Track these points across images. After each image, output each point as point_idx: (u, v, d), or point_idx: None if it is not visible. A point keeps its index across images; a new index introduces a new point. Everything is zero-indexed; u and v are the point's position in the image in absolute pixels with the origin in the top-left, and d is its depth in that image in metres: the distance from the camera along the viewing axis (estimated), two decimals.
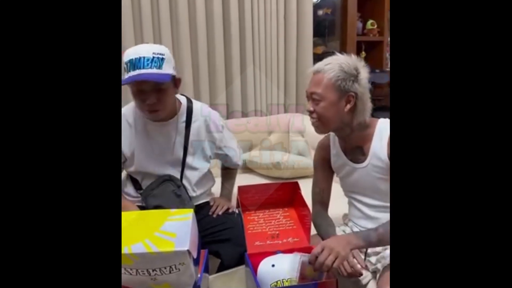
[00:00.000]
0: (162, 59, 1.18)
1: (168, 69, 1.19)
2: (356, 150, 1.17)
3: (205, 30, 2.21)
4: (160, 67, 1.17)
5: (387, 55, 3.03)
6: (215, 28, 2.22)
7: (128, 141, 1.32)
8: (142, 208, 1.38)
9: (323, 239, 1.14)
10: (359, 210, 1.21)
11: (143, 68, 1.15)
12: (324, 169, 1.29)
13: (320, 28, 2.99)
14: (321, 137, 2.12)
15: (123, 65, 1.18)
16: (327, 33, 3.08)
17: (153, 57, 1.16)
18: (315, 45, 2.69)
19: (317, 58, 2.88)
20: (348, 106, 1.09)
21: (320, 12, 3.01)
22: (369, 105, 1.12)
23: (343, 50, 2.90)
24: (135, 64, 1.15)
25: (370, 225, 1.18)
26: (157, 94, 1.19)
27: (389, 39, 3.03)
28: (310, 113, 1.11)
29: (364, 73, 1.10)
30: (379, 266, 1.08)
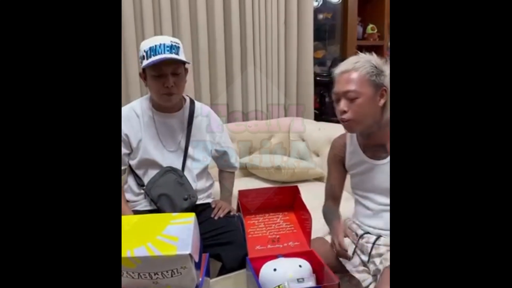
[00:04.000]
0: (178, 47, 1.33)
1: (182, 56, 1.34)
2: (378, 148, 1.17)
3: (205, 31, 2.22)
4: (177, 53, 1.31)
5: (387, 59, 3.03)
6: (216, 31, 2.22)
7: (135, 131, 1.40)
8: (137, 212, 1.42)
9: (331, 231, 1.25)
10: (368, 208, 1.21)
11: (164, 53, 1.28)
12: (337, 166, 1.31)
13: (320, 32, 3.00)
14: (320, 141, 2.14)
15: (141, 54, 1.32)
16: (327, 37, 3.09)
17: (172, 44, 1.30)
18: (315, 49, 2.69)
19: (318, 62, 2.89)
20: (382, 101, 1.10)
21: (321, 16, 3.02)
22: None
23: (343, 54, 2.91)
24: (156, 50, 1.28)
25: (376, 223, 1.19)
26: (174, 78, 1.31)
27: (389, 43, 3.03)
28: (343, 113, 1.10)
29: (387, 69, 1.12)
30: (380, 267, 1.08)
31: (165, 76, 1.30)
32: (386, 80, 1.10)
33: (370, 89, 1.08)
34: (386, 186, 1.16)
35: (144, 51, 1.30)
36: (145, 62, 1.29)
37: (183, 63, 1.35)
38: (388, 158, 1.15)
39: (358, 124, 1.11)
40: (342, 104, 1.10)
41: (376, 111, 1.11)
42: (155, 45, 1.28)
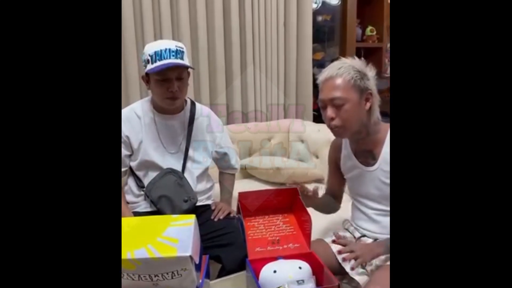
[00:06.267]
0: (183, 51, 1.33)
1: (187, 61, 1.35)
2: (367, 154, 1.18)
3: (205, 32, 2.22)
4: (182, 58, 1.32)
5: (386, 61, 3.05)
6: (216, 31, 2.23)
7: (136, 132, 1.41)
8: (137, 214, 1.43)
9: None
10: (363, 213, 1.22)
11: (170, 58, 1.28)
12: (334, 167, 1.33)
13: (319, 34, 3.01)
14: (319, 142, 2.14)
15: (145, 57, 1.32)
16: (326, 39, 3.09)
17: (177, 49, 1.31)
18: (314, 51, 2.70)
19: (317, 64, 2.89)
20: (368, 105, 1.11)
21: (320, 18, 3.03)
22: (378, 103, 1.14)
23: (342, 56, 2.91)
24: (161, 54, 1.28)
25: (372, 228, 1.19)
26: (178, 83, 1.32)
27: (388, 45, 3.04)
28: (331, 120, 1.10)
29: (371, 71, 1.13)
30: (373, 267, 1.09)
31: (169, 80, 1.31)
32: (371, 84, 1.11)
33: (355, 94, 1.08)
34: (375, 193, 1.17)
35: (149, 55, 1.30)
36: (150, 67, 1.29)
37: (187, 68, 1.35)
38: (376, 166, 1.16)
39: (347, 130, 1.11)
40: (329, 111, 1.09)
41: (363, 116, 1.11)
42: (160, 50, 1.28)
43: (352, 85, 1.08)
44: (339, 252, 1.12)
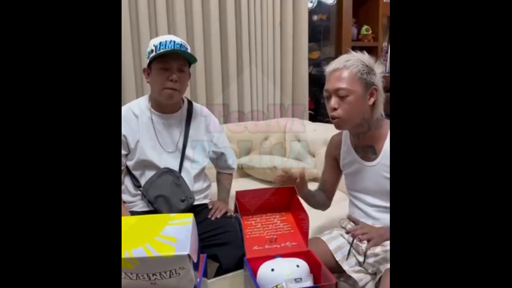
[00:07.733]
0: (187, 48, 1.37)
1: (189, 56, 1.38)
2: (368, 149, 1.19)
3: (201, 32, 2.22)
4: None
5: (382, 60, 3.06)
6: (212, 32, 2.23)
7: (133, 132, 1.40)
8: (134, 213, 1.42)
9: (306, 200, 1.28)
10: (361, 209, 1.23)
11: (175, 48, 1.31)
12: (331, 163, 1.34)
13: (315, 34, 3.01)
14: (316, 141, 2.15)
15: (150, 49, 1.34)
16: (322, 38, 3.10)
17: (181, 43, 1.35)
18: (310, 50, 2.71)
19: (313, 63, 2.90)
20: (372, 100, 1.12)
21: (315, 18, 3.04)
22: (382, 100, 1.15)
23: (338, 55, 2.92)
24: (166, 44, 1.31)
25: (371, 224, 1.19)
26: (179, 74, 1.33)
27: (383, 44, 3.05)
28: (333, 110, 1.11)
29: (379, 68, 1.14)
30: (381, 268, 1.09)
31: (170, 70, 1.32)
32: (377, 79, 1.12)
33: (360, 87, 1.09)
34: (374, 188, 1.18)
35: (154, 45, 1.33)
36: (153, 55, 1.31)
37: (189, 63, 1.38)
38: (377, 160, 1.16)
39: (348, 121, 1.12)
40: (333, 102, 1.11)
41: (366, 110, 1.12)
42: (166, 41, 1.32)
43: (358, 78, 1.09)
44: (353, 235, 1.10)
